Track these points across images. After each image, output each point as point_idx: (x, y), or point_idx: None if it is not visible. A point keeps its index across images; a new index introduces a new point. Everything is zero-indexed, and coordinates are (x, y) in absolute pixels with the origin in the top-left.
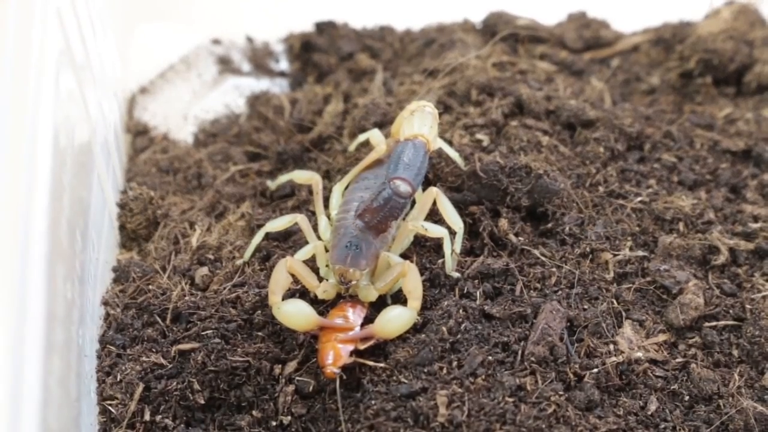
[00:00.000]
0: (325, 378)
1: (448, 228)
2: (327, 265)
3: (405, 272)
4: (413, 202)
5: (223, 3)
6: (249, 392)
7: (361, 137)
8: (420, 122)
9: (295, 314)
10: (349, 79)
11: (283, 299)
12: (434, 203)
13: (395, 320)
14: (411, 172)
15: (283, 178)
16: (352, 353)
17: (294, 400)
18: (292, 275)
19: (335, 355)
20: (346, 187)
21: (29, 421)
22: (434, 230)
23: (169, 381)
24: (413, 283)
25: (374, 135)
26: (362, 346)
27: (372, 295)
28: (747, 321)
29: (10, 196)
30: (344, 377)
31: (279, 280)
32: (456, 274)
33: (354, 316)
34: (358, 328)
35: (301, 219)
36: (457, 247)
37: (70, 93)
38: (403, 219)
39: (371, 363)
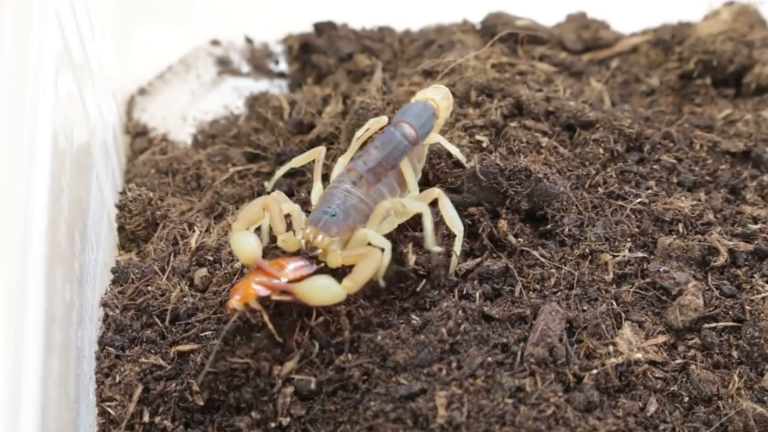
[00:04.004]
0: (226, 309)
1: (448, 229)
2: (302, 228)
3: (367, 255)
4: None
5: (222, 4)
6: (248, 393)
7: (364, 127)
8: (434, 92)
9: (242, 244)
10: (348, 80)
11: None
12: (434, 203)
13: (318, 290)
14: (417, 122)
15: (280, 172)
16: (265, 299)
17: (293, 402)
18: (269, 215)
19: (245, 292)
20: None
21: (28, 423)
22: (412, 206)
23: (168, 382)
24: (364, 267)
25: (377, 120)
26: (276, 297)
27: (336, 261)
28: (746, 322)
29: (9, 197)
30: (246, 315)
31: (250, 211)
32: (438, 248)
33: (290, 270)
34: (284, 280)
35: (320, 151)
36: (457, 250)
37: (68, 94)
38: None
39: (286, 299)
